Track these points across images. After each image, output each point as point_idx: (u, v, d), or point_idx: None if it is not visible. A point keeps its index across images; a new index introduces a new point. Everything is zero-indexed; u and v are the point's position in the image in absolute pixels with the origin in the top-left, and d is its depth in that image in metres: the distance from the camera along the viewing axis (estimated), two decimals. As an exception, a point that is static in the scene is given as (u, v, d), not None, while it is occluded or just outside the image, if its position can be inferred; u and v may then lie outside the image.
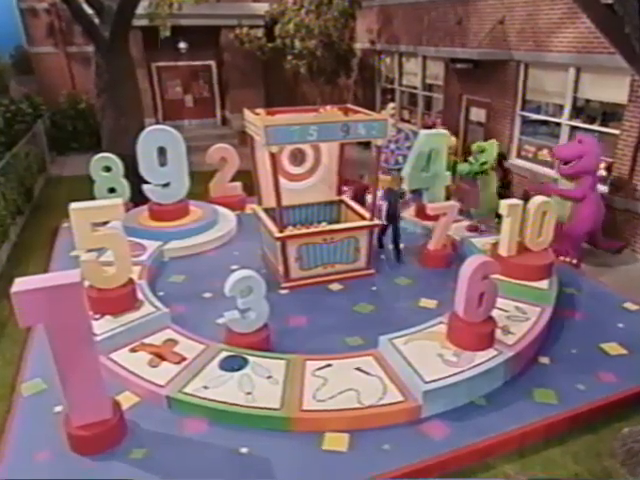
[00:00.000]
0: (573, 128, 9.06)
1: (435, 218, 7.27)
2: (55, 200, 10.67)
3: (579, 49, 8.55)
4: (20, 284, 3.57)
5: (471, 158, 8.37)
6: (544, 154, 9.81)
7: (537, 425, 4.53)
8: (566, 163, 7.68)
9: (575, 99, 8.99)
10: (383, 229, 7.61)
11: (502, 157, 9.57)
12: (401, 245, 7.53)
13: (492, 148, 8.23)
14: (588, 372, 5.15)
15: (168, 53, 16.30)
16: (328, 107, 6.85)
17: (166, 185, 8.12)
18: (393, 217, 7.45)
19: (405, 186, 8.03)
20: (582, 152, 7.45)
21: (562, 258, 7.47)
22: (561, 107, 9.26)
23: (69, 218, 5.59)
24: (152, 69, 16.63)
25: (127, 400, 4.66)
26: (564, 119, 9.18)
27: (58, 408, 4.55)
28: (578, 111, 9.04)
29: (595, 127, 8.70)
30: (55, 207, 9.93)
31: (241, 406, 4.46)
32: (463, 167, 8.44)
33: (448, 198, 8.34)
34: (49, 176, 13.10)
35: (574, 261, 7.57)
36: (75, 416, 4.08)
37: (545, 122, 9.88)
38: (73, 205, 5.53)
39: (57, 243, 8.11)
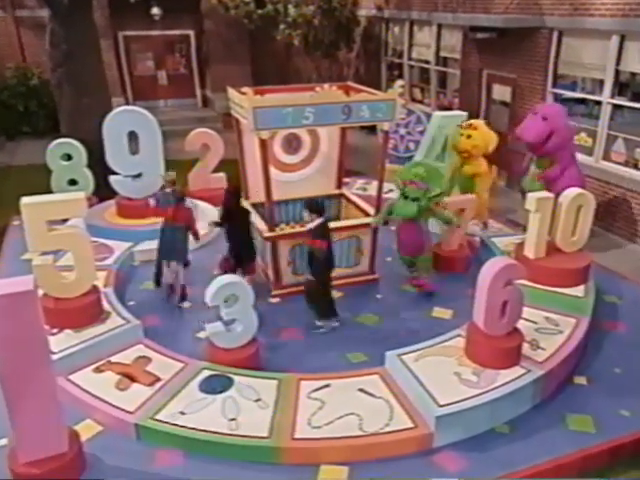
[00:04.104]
0: (615, 107, 9.10)
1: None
2: (3, 194, 10.68)
3: (625, 12, 8.54)
4: (-38, 292, 3.57)
5: (409, 189, 6.16)
6: (583, 138, 9.79)
7: (571, 458, 4.53)
8: (539, 146, 7.90)
9: (618, 73, 9.02)
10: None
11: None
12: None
13: (438, 177, 6.39)
14: (633, 395, 5.16)
15: (138, 20, 16.36)
16: (326, 85, 6.87)
17: (137, 176, 8.16)
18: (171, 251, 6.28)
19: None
20: (551, 129, 7.70)
21: None
22: (601, 82, 9.30)
23: (20, 215, 5.59)
24: (119, 39, 16.69)
25: (88, 430, 4.66)
26: (605, 97, 9.21)
27: (3, 441, 4.49)
28: (622, 87, 9.07)
29: (641, 106, 8.74)
30: (3, 202, 9.92)
31: (223, 435, 4.47)
32: (405, 207, 6.20)
33: None
34: (-4, 165, 13.13)
35: None
36: (23, 450, 4.02)
37: (582, 101, 9.92)
38: (25, 200, 5.53)
39: (5, 244, 8.12)
